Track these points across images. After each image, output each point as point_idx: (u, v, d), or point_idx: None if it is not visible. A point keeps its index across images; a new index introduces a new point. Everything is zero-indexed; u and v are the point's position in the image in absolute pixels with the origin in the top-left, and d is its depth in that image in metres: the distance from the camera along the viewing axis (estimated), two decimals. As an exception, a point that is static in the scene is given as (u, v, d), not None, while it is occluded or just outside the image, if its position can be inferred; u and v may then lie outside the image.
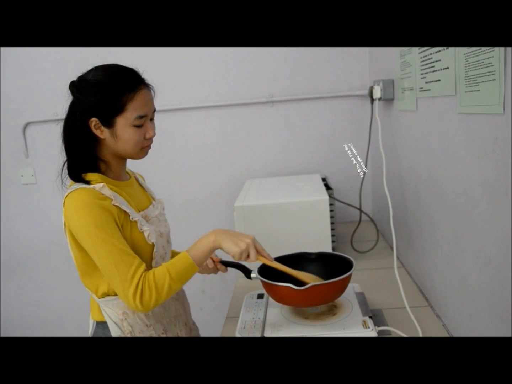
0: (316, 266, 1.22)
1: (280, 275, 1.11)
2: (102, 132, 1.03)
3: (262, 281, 1.10)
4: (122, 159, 1.12)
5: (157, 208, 1.20)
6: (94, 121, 1.02)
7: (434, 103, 1.14)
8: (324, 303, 1.12)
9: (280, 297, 1.11)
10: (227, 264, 1.17)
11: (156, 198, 1.26)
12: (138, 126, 1.04)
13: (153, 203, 1.20)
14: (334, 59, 2.04)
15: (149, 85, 1.07)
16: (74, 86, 1.03)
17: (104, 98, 1.00)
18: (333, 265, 1.18)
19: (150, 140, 1.09)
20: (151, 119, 1.09)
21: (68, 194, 1.01)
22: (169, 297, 1.01)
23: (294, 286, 1.03)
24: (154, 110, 1.09)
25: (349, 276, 1.08)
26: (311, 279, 1.10)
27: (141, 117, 1.03)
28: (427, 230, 1.28)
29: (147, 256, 1.08)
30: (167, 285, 0.97)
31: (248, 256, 1.04)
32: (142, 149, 1.08)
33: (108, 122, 1.02)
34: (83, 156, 1.05)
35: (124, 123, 1.02)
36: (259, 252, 1.07)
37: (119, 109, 1.01)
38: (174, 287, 0.99)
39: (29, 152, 2.23)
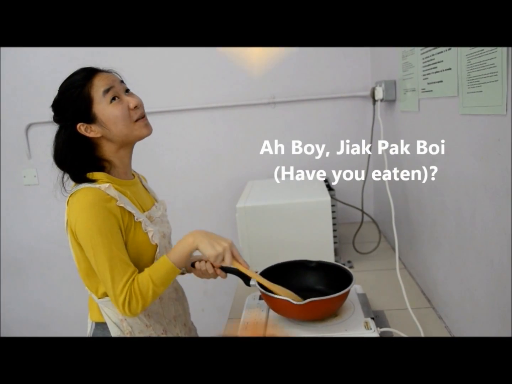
0: (315, 275, 1.22)
1: (279, 279, 1.12)
2: (93, 131, 1.04)
3: (260, 291, 1.10)
4: (125, 152, 1.11)
5: (159, 209, 1.20)
6: (80, 125, 1.03)
7: (436, 104, 1.14)
8: (321, 317, 1.09)
9: (278, 309, 1.11)
10: (226, 270, 1.17)
11: (158, 199, 1.26)
12: (114, 100, 1.03)
13: (156, 204, 1.20)
14: (336, 60, 2.04)
15: (108, 70, 1.08)
16: (53, 112, 1.08)
17: (71, 101, 1.02)
18: (332, 275, 1.18)
19: (138, 109, 1.07)
20: (127, 91, 1.08)
21: (73, 193, 1.01)
22: (156, 299, 1.04)
23: (293, 300, 1.03)
24: (127, 89, 1.08)
25: (347, 293, 1.07)
26: (286, 294, 1.07)
27: (107, 90, 1.03)
28: (429, 231, 1.27)
29: (149, 256, 1.08)
30: (151, 291, 1.00)
31: (223, 259, 1.04)
32: (136, 123, 1.07)
33: (89, 117, 1.03)
34: (87, 161, 1.06)
35: (101, 107, 1.03)
36: (235, 258, 1.06)
37: (88, 100, 1.02)
38: (158, 291, 1.02)
39: (31, 153, 2.23)
